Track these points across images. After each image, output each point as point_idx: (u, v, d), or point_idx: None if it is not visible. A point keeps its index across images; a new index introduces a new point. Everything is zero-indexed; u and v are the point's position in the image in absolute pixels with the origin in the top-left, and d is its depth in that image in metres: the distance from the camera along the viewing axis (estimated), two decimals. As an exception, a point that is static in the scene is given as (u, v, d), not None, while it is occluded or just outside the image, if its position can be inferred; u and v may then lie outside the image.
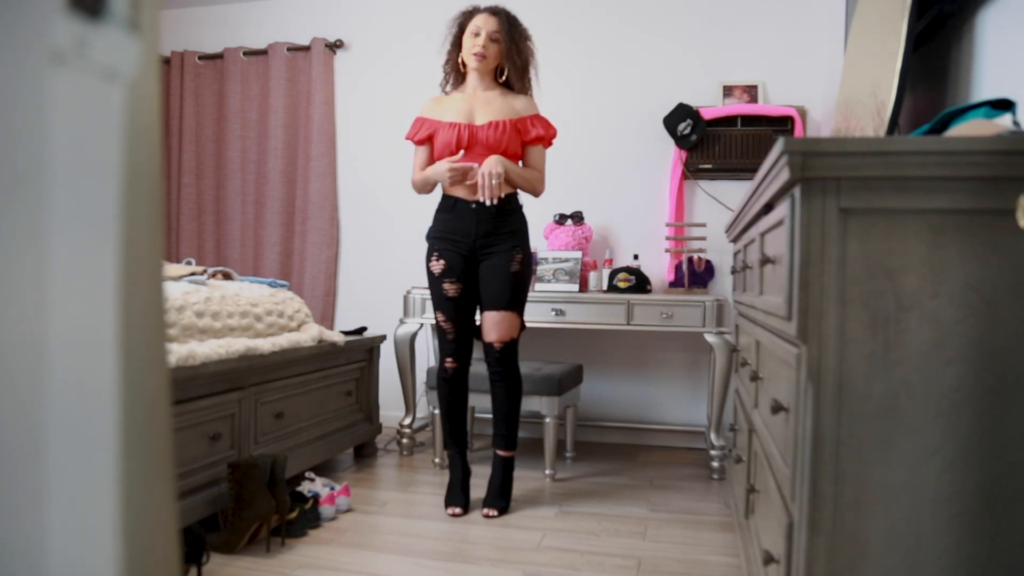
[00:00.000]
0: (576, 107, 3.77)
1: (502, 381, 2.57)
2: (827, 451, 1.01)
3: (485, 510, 2.52)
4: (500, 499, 2.56)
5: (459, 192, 2.52)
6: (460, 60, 2.56)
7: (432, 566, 2.09)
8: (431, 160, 2.60)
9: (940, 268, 0.97)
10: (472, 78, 2.56)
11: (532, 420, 3.76)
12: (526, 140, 2.54)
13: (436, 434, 3.19)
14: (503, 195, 2.51)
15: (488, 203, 2.40)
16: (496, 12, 2.51)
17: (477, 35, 2.48)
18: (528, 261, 2.56)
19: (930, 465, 0.98)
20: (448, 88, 2.63)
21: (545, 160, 2.62)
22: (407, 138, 2.63)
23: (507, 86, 2.59)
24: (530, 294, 3.28)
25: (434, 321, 2.68)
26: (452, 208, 2.53)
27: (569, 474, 3.12)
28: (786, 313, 1.11)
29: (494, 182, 2.39)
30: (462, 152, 2.49)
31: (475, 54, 2.47)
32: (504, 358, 2.54)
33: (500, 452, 2.61)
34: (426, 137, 2.58)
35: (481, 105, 2.54)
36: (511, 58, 2.52)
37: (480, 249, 2.52)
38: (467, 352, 2.61)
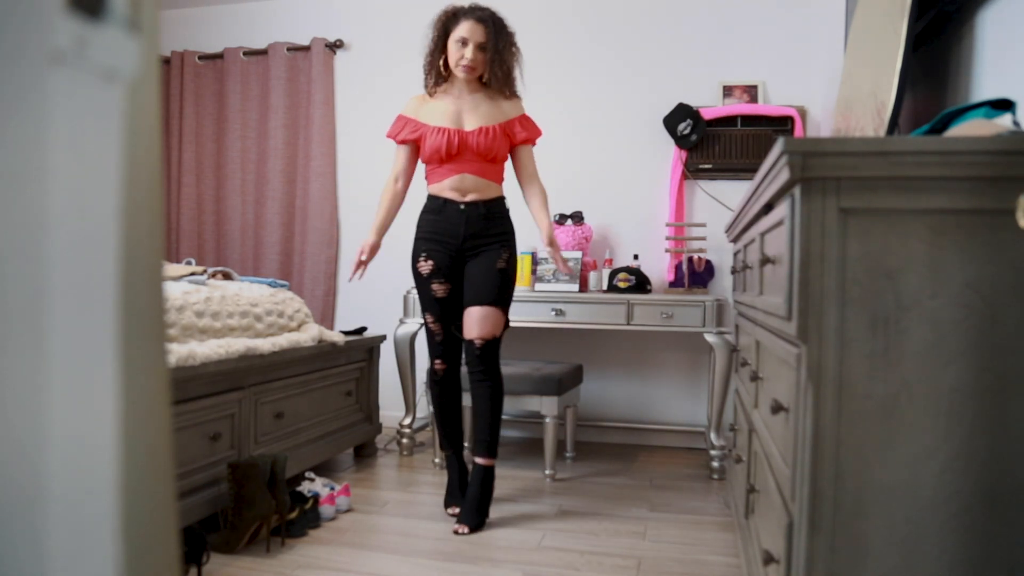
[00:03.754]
0: (576, 107, 3.77)
1: (483, 382, 2.48)
2: (827, 451, 1.01)
3: (457, 526, 2.38)
4: (476, 514, 2.42)
5: (447, 193, 2.49)
6: (443, 62, 2.50)
7: (432, 566, 2.09)
8: (413, 162, 2.59)
9: (940, 268, 0.97)
10: (458, 81, 2.51)
11: (532, 420, 3.76)
12: (514, 143, 2.53)
13: (435, 433, 3.19)
14: (493, 197, 2.51)
15: (569, 276, 2.53)
16: (482, 19, 2.42)
17: (464, 45, 2.41)
18: (514, 262, 2.53)
19: (930, 465, 0.98)
20: (431, 88, 2.55)
21: (534, 158, 2.60)
22: (389, 136, 2.58)
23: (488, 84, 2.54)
24: (530, 294, 3.29)
25: (423, 322, 2.64)
26: (441, 209, 2.50)
27: (569, 474, 3.12)
28: (786, 313, 1.11)
29: (568, 264, 2.53)
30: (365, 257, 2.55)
31: (464, 66, 2.42)
32: (484, 357, 2.46)
33: (480, 460, 2.48)
34: (410, 139, 2.53)
35: (469, 109, 2.50)
36: (493, 69, 2.45)
37: (468, 250, 2.50)
38: (456, 353, 2.59)
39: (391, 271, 4.00)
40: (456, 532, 2.36)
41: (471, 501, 2.45)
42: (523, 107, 2.59)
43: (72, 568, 0.37)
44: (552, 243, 2.47)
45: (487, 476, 2.49)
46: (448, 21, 2.46)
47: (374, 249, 2.56)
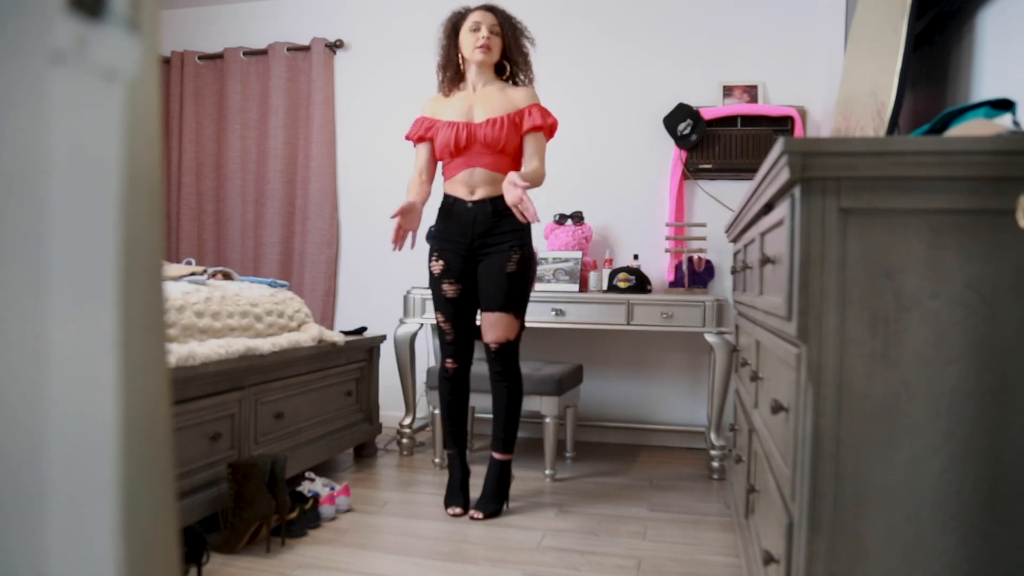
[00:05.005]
0: (576, 107, 3.77)
1: (500, 381, 2.55)
2: (827, 451, 1.01)
3: (472, 511, 2.51)
4: (491, 502, 2.53)
5: (457, 192, 2.51)
6: (460, 59, 2.54)
7: (432, 566, 2.09)
8: (432, 160, 2.60)
9: (940, 268, 0.97)
10: (472, 74, 2.53)
11: (532, 420, 3.76)
12: (523, 131, 2.49)
13: (436, 434, 3.19)
14: (502, 194, 2.45)
15: (535, 221, 2.28)
16: (491, 8, 2.51)
17: (477, 30, 2.46)
18: (527, 261, 2.52)
19: (930, 465, 0.98)
20: (446, 88, 2.59)
21: (544, 149, 2.53)
22: (407, 138, 2.63)
23: (508, 79, 2.58)
24: (531, 294, 3.27)
25: (435, 321, 2.65)
26: (451, 208, 2.52)
27: (569, 474, 3.12)
28: (786, 313, 1.11)
29: (526, 200, 2.25)
30: (412, 205, 2.42)
31: (480, 46, 2.44)
32: (501, 359, 2.52)
33: (496, 455, 2.58)
34: (425, 136, 2.57)
35: (480, 101, 2.51)
36: (514, 50, 2.51)
37: (478, 249, 2.50)
38: (467, 353, 2.61)
39: (391, 271, 4.00)
40: (472, 517, 2.48)
41: (487, 490, 2.55)
42: (536, 96, 2.55)
43: (72, 568, 0.37)
44: (517, 183, 2.24)
45: (503, 469, 2.58)
46: (457, 19, 2.53)
47: (408, 208, 2.40)
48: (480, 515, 2.48)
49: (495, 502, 2.54)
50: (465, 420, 2.68)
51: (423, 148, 2.60)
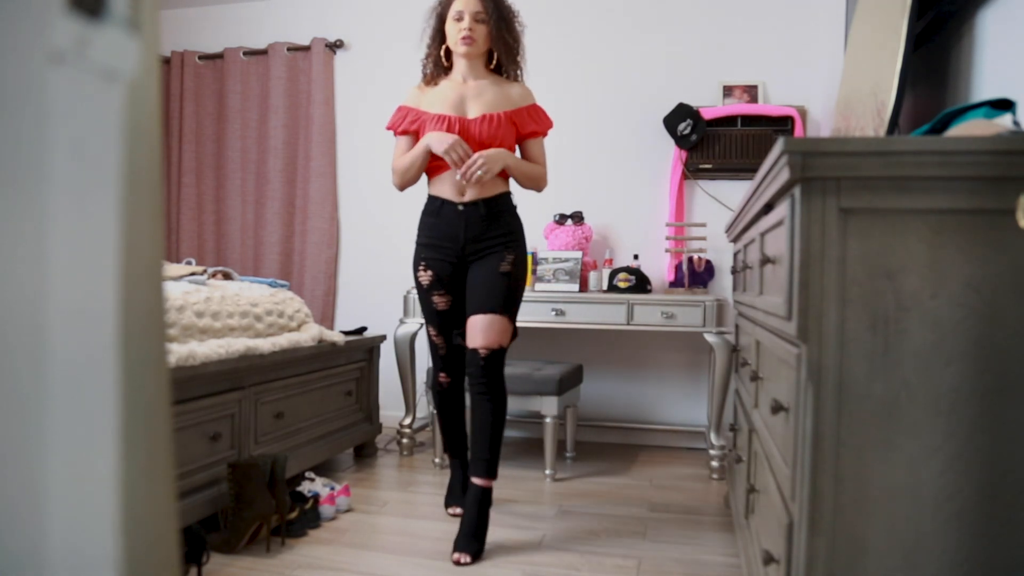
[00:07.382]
0: (576, 107, 3.77)
1: (485, 395, 2.25)
2: (827, 451, 1.01)
3: (456, 555, 2.13)
4: (474, 540, 2.17)
5: (445, 193, 2.31)
6: (443, 52, 2.36)
7: (432, 566, 2.09)
8: None
9: (940, 268, 0.97)
10: (460, 66, 2.34)
11: (532, 420, 3.76)
12: (523, 133, 2.35)
13: (436, 434, 3.20)
14: (495, 194, 2.31)
15: (461, 179, 2.21)
16: None
17: (460, 19, 2.27)
18: (522, 264, 2.33)
19: (930, 465, 0.98)
20: (429, 78, 2.40)
21: (544, 152, 2.42)
22: (388, 127, 2.40)
23: (497, 71, 2.40)
24: (530, 294, 3.27)
25: (426, 332, 2.46)
26: (438, 211, 2.31)
27: (569, 474, 3.12)
28: (786, 313, 1.11)
29: (479, 172, 2.19)
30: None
31: (462, 38, 2.26)
32: (488, 369, 2.23)
33: (477, 480, 2.24)
34: (410, 130, 2.34)
35: (473, 95, 2.31)
36: (502, 38, 2.30)
37: (470, 254, 2.30)
38: (461, 365, 2.43)
39: (391, 271, 4.00)
40: (458, 563, 2.11)
41: (469, 527, 2.19)
42: (532, 95, 2.41)
43: (72, 568, 0.37)
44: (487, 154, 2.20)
45: (484, 499, 2.24)
46: (442, 7, 2.34)
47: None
48: (468, 559, 2.12)
49: (479, 539, 2.19)
50: (464, 430, 2.57)
51: (404, 141, 2.36)
